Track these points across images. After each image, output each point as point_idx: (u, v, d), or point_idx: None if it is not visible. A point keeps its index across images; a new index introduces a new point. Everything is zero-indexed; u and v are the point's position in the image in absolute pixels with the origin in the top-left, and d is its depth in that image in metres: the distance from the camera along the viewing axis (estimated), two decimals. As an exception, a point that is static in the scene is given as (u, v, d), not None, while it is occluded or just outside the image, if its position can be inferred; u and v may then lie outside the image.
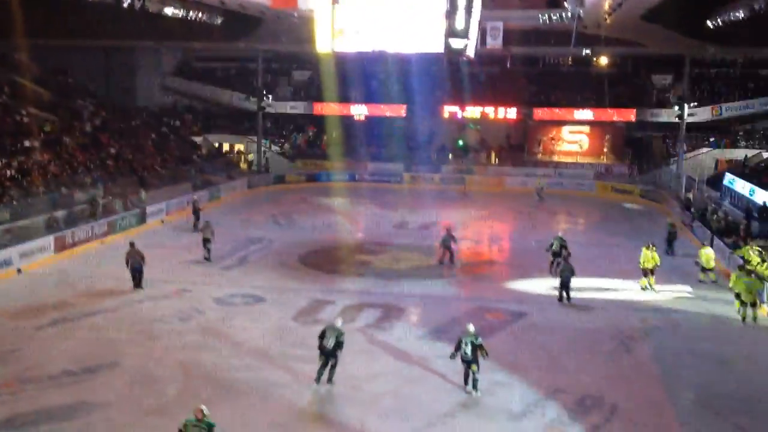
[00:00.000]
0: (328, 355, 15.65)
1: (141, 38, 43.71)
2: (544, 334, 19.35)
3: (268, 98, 48.02)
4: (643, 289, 23.45)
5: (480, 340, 15.51)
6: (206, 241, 26.51)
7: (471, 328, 15.72)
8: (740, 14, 35.24)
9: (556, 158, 49.40)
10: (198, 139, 48.30)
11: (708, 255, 24.44)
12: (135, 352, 17.54)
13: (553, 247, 25.10)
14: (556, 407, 14.95)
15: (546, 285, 23.75)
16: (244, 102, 50.11)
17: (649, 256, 23.34)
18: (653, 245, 23.74)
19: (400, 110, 48.82)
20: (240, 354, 17.58)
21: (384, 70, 47.51)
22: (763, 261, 22.40)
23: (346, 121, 49.45)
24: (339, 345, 15.59)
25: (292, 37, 40.71)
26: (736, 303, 21.08)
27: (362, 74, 47.42)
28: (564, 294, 21.93)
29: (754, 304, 20.67)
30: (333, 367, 15.78)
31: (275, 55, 50.52)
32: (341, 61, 44.73)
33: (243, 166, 48.90)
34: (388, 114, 49.17)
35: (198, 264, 25.99)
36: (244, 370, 16.56)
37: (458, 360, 15.77)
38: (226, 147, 51.29)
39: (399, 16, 33.96)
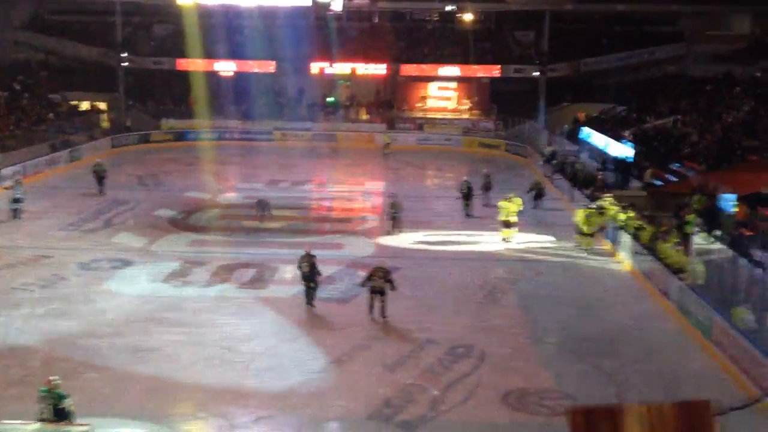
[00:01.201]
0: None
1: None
2: (416, 287, 19.76)
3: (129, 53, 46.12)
4: (504, 240, 24.21)
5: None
6: (16, 201, 25.52)
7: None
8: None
9: (423, 114, 50.04)
10: (55, 97, 45.76)
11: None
12: (-7, 323, 16.75)
13: (462, 190, 27.40)
14: (429, 357, 15.43)
15: (416, 238, 24.26)
16: (104, 57, 47.86)
17: (508, 209, 24.07)
18: (512, 196, 24.55)
19: (268, 66, 47.93)
20: (107, 320, 17.11)
21: (251, 25, 46.49)
22: (621, 209, 23.73)
23: (213, 77, 48.13)
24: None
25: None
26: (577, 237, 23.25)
27: (228, 29, 46.26)
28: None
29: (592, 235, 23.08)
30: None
31: (136, 8, 48.33)
32: (205, 14, 43.48)
33: (105, 125, 46.81)
34: (256, 70, 48.17)
35: (59, 229, 24.91)
36: (112, 337, 16.14)
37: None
38: (86, 105, 48.87)
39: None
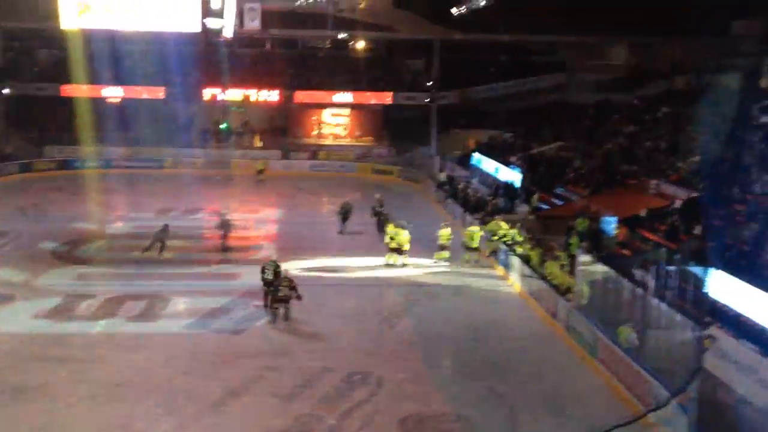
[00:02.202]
0: (270, 285, 19.01)
1: None
2: (311, 314, 19.60)
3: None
4: (389, 265, 24.40)
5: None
6: None
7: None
8: (480, 3, 37.99)
9: (317, 141, 50.15)
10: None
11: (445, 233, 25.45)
12: None
13: (340, 212, 29.03)
14: (325, 385, 15.35)
15: (311, 265, 24.16)
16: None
17: (398, 235, 24.35)
18: (401, 224, 24.94)
19: (157, 92, 46.98)
20: (-13, 359, 16.24)
21: (140, 51, 45.46)
22: (512, 228, 24.47)
23: (100, 104, 46.70)
24: (278, 274, 18.97)
25: (34, 13, 37.86)
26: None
27: (116, 55, 45.04)
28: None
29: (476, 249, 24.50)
30: (273, 293, 18.91)
31: (19, 33, 46.51)
32: (92, 39, 42.24)
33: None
34: (145, 96, 47.13)
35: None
36: (-7, 376, 15.34)
37: (224, 350, 16.06)
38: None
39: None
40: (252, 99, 48.51)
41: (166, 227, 25.43)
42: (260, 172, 42.01)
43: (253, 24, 45.18)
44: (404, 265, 24.42)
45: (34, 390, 14.79)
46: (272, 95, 48.69)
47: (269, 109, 50.31)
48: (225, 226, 26.36)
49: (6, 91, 45.17)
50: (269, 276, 19.22)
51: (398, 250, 24.37)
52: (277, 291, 18.80)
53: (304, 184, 41.33)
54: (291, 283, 18.69)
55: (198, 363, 16.54)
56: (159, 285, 21.94)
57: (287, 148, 48.49)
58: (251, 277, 22.72)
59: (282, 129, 50.51)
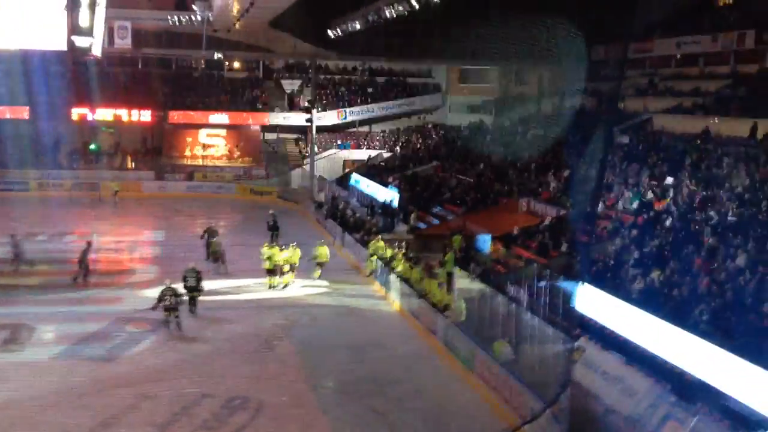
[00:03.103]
0: (194, 290, 20.62)
1: None
2: (189, 340, 19.27)
3: None
4: (270, 287, 24.21)
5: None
6: None
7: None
8: (356, 26, 38.49)
9: (194, 161, 49.19)
10: None
11: (322, 251, 25.62)
12: None
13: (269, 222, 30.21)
14: (204, 412, 15.02)
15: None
16: None
17: (274, 256, 24.12)
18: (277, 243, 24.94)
19: (22, 112, 44.87)
20: None
21: (2, 69, 43.33)
22: (390, 247, 24.80)
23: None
24: (200, 280, 20.72)
25: None
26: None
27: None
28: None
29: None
30: (197, 297, 20.76)
31: None
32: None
33: None
34: (8, 116, 44.90)
35: None
36: None
37: (97, 379, 15.73)
38: None
39: (15, 10, 31.11)
40: (124, 119, 47.15)
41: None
42: (115, 193, 40.74)
43: (124, 42, 43.99)
44: (285, 286, 24.25)
45: None
46: (145, 115, 47.51)
47: (142, 129, 49.02)
48: (85, 251, 24.81)
49: None
50: (192, 282, 20.71)
51: (273, 271, 24.16)
52: (198, 295, 20.76)
53: (181, 206, 40.39)
54: (175, 291, 19.64)
55: (68, 394, 15.81)
56: (24, 312, 20.85)
57: (162, 169, 47.32)
58: (126, 302, 22.10)
59: (156, 149, 49.26)
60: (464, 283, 19.86)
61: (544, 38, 40.68)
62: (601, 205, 22.72)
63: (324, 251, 25.62)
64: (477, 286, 19.20)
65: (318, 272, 25.39)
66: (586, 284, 16.35)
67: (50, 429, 14.16)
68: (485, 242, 24.18)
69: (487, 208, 28.83)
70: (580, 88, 41.00)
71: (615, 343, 14.61)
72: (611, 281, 17.48)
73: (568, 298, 16.90)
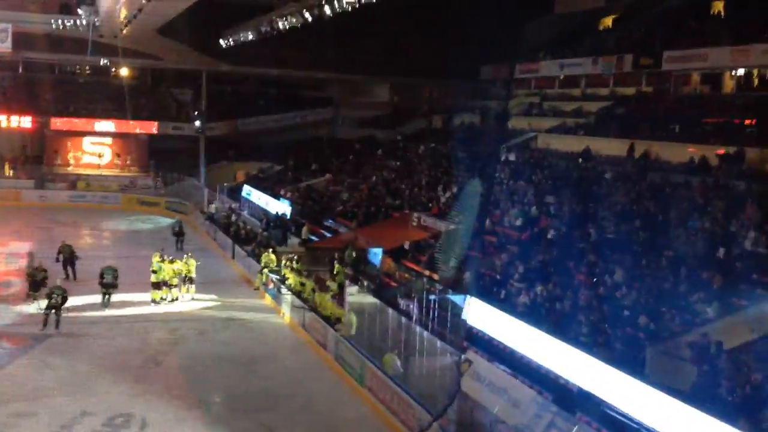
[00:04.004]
0: (109, 287, 22.24)
1: None
2: (70, 355, 18.59)
3: None
4: (153, 302, 23.54)
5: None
6: None
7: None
8: (249, 36, 38.23)
9: (77, 170, 47.38)
10: None
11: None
12: None
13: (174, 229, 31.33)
14: (84, 431, 14.50)
15: (69, 302, 22.61)
16: None
17: (164, 270, 23.60)
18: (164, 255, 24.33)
19: None
20: None
21: None
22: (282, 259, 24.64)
23: None
24: (117, 278, 22.39)
25: None
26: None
27: None
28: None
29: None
30: (110, 295, 22.45)
31: None
32: None
33: None
34: None
35: None
36: None
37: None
38: None
39: None
40: (2, 125, 45.04)
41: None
42: None
43: (3, 45, 42.10)
44: (174, 300, 23.67)
45: None
46: (25, 121, 45.57)
47: (22, 136, 46.95)
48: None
49: None
50: (109, 278, 22.23)
51: (158, 285, 23.53)
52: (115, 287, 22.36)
53: (62, 216, 38.79)
54: (65, 293, 20.36)
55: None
56: None
57: (43, 177, 45.37)
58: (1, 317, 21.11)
59: (37, 157, 47.23)
60: (355, 296, 19.93)
61: (434, 55, 41.62)
62: (488, 221, 23.31)
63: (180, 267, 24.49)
64: (368, 299, 19.31)
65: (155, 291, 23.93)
66: (474, 298, 16.75)
67: None
68: (376, 256, 24.37)
69: (378, 222, 29.07)
70: (469, 105, 42.14)
71: (501, 355, 15.02)
72: (498, 295, 17.95)
73: (457, 311, 17.24)
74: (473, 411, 14.00)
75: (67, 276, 25.29)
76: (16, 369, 17.58)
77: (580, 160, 27.09)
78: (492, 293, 17.95)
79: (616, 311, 15.14)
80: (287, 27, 33.63)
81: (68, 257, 25.93)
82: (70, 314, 21.67)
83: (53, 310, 20.11)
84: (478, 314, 16.34)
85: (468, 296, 17.14)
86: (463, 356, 15.20)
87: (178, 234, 31.58)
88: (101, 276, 22.38)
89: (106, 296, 22.50)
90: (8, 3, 40.00)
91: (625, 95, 32.19)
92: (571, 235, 19.46)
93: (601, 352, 13.42)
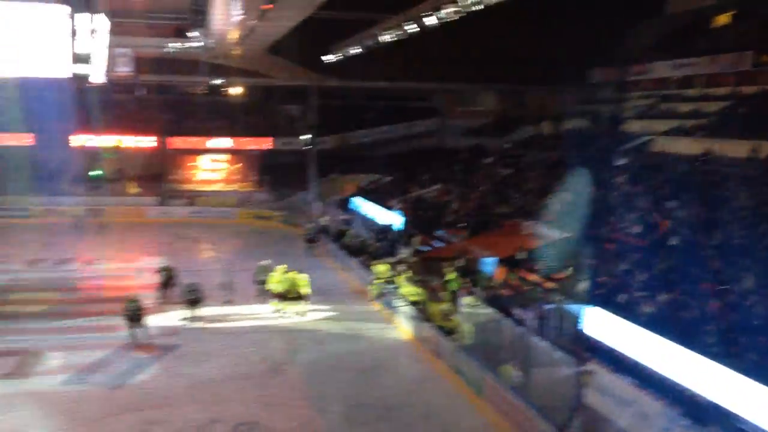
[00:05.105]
0: (137, 320, 20.88)
1: None
2: (196, 364, 19.28)
3: None
4: (277, 311, 24.09)
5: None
6: None
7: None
8: (355, 50, 38.85)
9: (195, 187, 49.36)
10: None
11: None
12: None
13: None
14: (213, 439, 15.03)
15: (194, 314, 23.57)
16: None
17: (277, 279, 24.02)
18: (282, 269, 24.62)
19: (25, 139, 45.11)
20: None
21: (4, 96, 43.53)
22: (394, 270, 24.80)
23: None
24: (199, 293, 23.07)
25: None
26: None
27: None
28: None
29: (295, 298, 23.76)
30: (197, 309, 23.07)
31: None
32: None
33: None
34: (11, 143, 45.13)
35: None
36: None
37: (104, 406, 16.06)
38: None
39: (18, 39, 31.37)
40: (126, 145, 47.42)
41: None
42: (80, 218, 40.96)
43: (125, 70, 44.36)
44: (286, 313, 24.09)
45: None
46: (146, 141, 47.81)
47: (144, 155, 49.23)
48: (167, 276, 24.93)
49: None
50: (133, 310, 21.07)
51: (283, 296, 24.05)
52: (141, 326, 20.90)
53: (183, 231, 40.44)
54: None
55: (76, 422, 15.81)
56: (31, 340, 20.87)
57: (164, 194, 47.47)
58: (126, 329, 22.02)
59: (158, 175, 49.43)
60: (470, 306, 19.86)
61: (541, 61, 41.13)
62: (605, 228, 22.79)
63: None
64: (483, 309, 19.21)
65: (275, 302, 24.26)
66: (593, 307, 16.40)
67: (59, 457, 14.14)
68: (489, 265, 24.20)
69: (490, 231, 28.88)
70: (579, 110, 41.35)
71: (625, 366, 14.62)
72: (618, 304, 17.49)
73: (575, 321, 16.92)
74: (598, 423, 13.66)
75: (162, 299, 25.01)
76: (148, 378, 18.35)
77: (700, 162, 26.13)
78: (612, 302, 17.51)
79: (746, 320, 14.50)
80: (391, 40, 33.99)
81: (166, 280, 25.38)
82: (196, 325, 22.70)
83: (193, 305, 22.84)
84: (598, 324, 15.98)
85: (586, 305, 16.80)
86: (583, 367, 14.89)
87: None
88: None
89: (193, 311, 23.19)
90: (127, 29, 42.06)
91: (747, 94, 30.84)
92: (695, 241, 18.76)
93: (733, 362, 12.86)
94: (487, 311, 19.05)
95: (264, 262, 25.92)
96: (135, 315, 20.57)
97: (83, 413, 16.19)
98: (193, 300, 23.34)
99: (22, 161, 44.48)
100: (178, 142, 48.60)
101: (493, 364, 16.94)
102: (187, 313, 23.38)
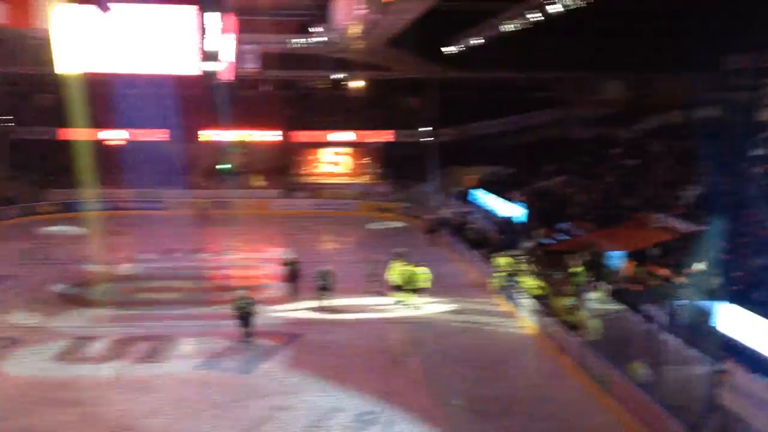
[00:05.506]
0: (324, 290, 23.50)
1: None
2: (320, 354, 19.65)
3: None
4: (397, 303, 24.16)
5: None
6: None
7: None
8: (476, 41, 38.44)
9: (318, 179, 50.40)
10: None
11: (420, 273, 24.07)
12: None
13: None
14: (336, 425, 15.25)
15: (317, 304, 24.06)
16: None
17: (398, 270, 24.12)
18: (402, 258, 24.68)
19: (160, 134, 47.39)
20: (-6, 405, 16.15)
21: (140, 93, 45.84)
22: (516, 263, 24.48)
23: (102, 147, 47.02)
24: (330, 281, 23.71)
25: (34, 59, 38.37)
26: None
27: (117, 98, 45.40)
28: None
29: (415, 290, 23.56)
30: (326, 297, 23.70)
31: (18, 78, 46.99)
32: (95, 83, 42.57)
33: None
34: (147, 138, 47.55)
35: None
36: (2, 421, 15.21)
37: (233, 391, 16.65)
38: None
39: (152, 39, 32.93)
40: (251, 139, 48.91)
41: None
42: (205, 209, 42.69)
43: (251, 66, 45.71)
44: (406, 304, 24.12)
45: (44, 434, 14.72)
46: (271, 135, 49.14)
47: (269, 148, 50.63)
48: (292, 269, 25.32)
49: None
50: (321, 282, 23.52)
51: (399, 288, 24.18)
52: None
53: (307, 223, 41.39)
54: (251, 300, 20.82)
55: (207, 405, 16.42)
56: (166, 326, 21.91)
57: (289, 187, 48.71)
58: (257, 317, 22.65)
59: (282, 168, 50.75)
60: (596, 301, 19.32)
61: (670, 47, 39.44)
62: (740, 221, 21.67)
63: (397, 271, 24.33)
64: (610, 304, 18.64)
65: (395, 294, 24.33)
66: (728, 304, 15.61)
67: (190, 438, 14.75)
68: (616, 259, 23.46)
69: (616, 224, 27.97)
70: (711, 98, 39.43)
71: (763, 365, 13.85)
72: (755, 300, 16.58)
73: (708, 318, 16.17)
74: (733, 425, 13.01)
75: (293, 293, 25.25)
76: (273, 365, 18.84)
77: None
78: (748, 299, 16.62)
79: None
80: (512, 30, 33.44)
81: (292, 274, 25.49)
82: (319, 316, 23.17)
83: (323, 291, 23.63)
84: (735, 322, 15.20)
85: (720, 302, 16.02)
86: (718, 366, 14.20)
87: (293, 276, 25.60)
88: (237, 307, 20.82)
89: (323, 298, 23.73)
90: (253, 26, 43.31)
91: None
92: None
93: None
94: (614, 306, 18.47)
95: (399, 250, 26.18)
96: (246, 314, 20.37)
97: (213, 397, 16.81)
98: (324, 286, 23.95)
99: (158, 155, 46.83)
100: (301, 135, 49.76)
101: (620, 361, 16.42)
102: (317, 298, 23.97)
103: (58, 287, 26.45)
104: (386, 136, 49.92)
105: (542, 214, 32.64)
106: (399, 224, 42.01)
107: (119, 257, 31.73)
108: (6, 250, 33.33)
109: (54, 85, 45.43)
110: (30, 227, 39.84)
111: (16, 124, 46.83)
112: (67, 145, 45.59)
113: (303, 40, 43.78)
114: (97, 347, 19.93)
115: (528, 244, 29.13)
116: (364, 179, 50.67)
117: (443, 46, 44.33)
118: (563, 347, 19.20)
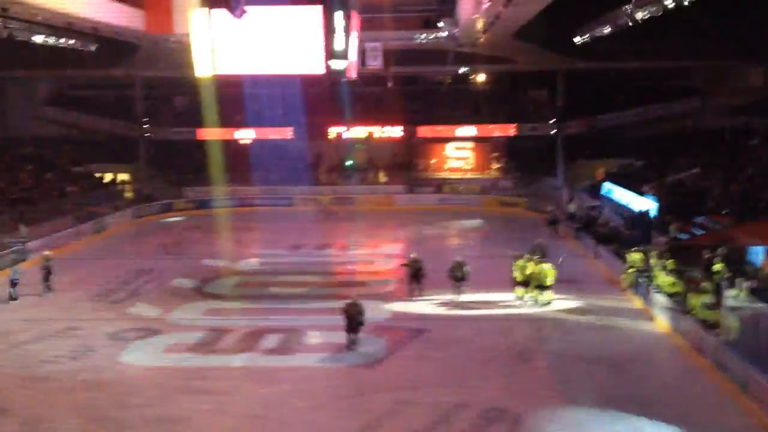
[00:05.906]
0: (459, 280, 23.92)
1: (10, 68, 42.28)
2: (444, 349, 19.58)
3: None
4: (519, 298, 23.76)
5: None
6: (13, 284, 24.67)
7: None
8: (605, 30, 37.12)
9: (442, 174, 50.30)
10: (78, 170, 46.50)
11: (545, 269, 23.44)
12: (24, 396, 16.65)
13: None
14: (461, 421, 15.11)
15: (441, 299, 23.99)
16: (126, 130, 48.92)
17: (521, 267, 23.68)
18: (532, 255, 24.27)
19: (286, 132, 48.64)
20: (137, 391, 16.97)
21: (268, 93, 47.21)
22: (649, 259, 23.54)
23: (232, 145, 48.80)
24: (465, 271, 24.02)
25: (170, 63, 40.10)
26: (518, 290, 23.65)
27: (246, 98, 46.96)
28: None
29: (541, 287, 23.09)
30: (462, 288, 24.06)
31: (155, 81, 49.39)
32: (225, 84, 44.24)
33: (129, 195, 47.37)
34: (274, 137, 48.88)
35: (87, 300, 24.93)
36: (142, 408, 15.98)
37: (357, 385, 16.97)
38: (109, 177, 49.49)
39: (278, 39, 33.72)
40: (375, 136, 49.37)
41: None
42: (328, 206, 44.33)
43: (375, 63, 46.03)
44: (548, 303, 23.40)
45: (179, 422, 15.35)
46: (394, 131, 49.40)
47: (392, 144, 50.96)
48: (415, 268, 24.93)
49: (146, 135, 48.07)
50: (458, 273, 23.93)
51: (525, 284, 23.70)
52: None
53: (430, 218, 41.39)
54: (359, 307, 19.57)
55: (333, 397, 16.70)
56: (294, 319, 22.45)
57: (412, 182, 48.89)
58: (381, 312, 22.80)
59: (406, 164, 50.97)
60: (736, 299, 18.29)
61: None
62: None
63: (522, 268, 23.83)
64: (752, 303, 17.60)
65: (520, 290, 23.91)
66: None
67: (318, 429, 15.03)
68: (758, 255, 22.15)
69: (757, 218, 26.41)
70: None
71: None
72: None
73: None
74: None
75: (418, 292, 24.84)
76: (398, 360, 18.94)
77: None
78: None
79: None
80: (645, 17, 32.09)
81: (416, 272, 24.86)
82: (444, 311, 23.08)
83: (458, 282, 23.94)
84: None
85: None
86: None
87: (416, 275, 24.79)
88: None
89: (458, 289, 23.99)
90: (377, 24, 43.60)
91: None
92: None
93: None
94: (756, 305, 17.41)
95: (538, 241, 26.32)
96: (354, 320, 19.42)
97: (340, 390, 17.09)
98: (459, 277, 24.05)
99: (284, 153, 48.11)
100: (424, 131, 49.73)
101: (760, 362, 15.48)
102: (453, 289, 24.08)
103: (192, 281, 27.56)
104: (510, 129, 49.15)
105: (676, 207, 31.25)
106: (524, 219, 41.29)
107: (249, 252, 32.83)
108: (145, 245, 35.11)
109: (188, 87, 47.65)
110: (167, 223, 41.80)
111: (153, 126, 49.18)
112: (202, 145, 47.73)
113: (427, 36, 43.69)
114: (228, 339, 20.62)
115: (662, 239, 28.00)
116: (489, 174, 50.16)
117: (570, 37, 43.11)
118: (700, 347, 18.29)
